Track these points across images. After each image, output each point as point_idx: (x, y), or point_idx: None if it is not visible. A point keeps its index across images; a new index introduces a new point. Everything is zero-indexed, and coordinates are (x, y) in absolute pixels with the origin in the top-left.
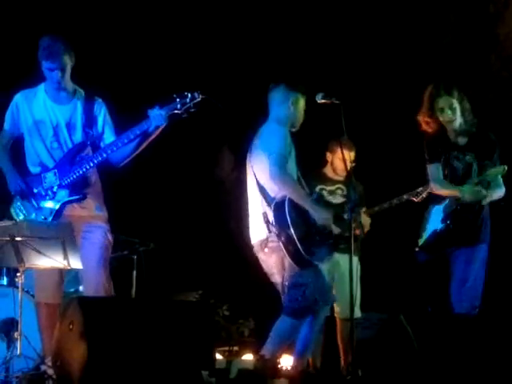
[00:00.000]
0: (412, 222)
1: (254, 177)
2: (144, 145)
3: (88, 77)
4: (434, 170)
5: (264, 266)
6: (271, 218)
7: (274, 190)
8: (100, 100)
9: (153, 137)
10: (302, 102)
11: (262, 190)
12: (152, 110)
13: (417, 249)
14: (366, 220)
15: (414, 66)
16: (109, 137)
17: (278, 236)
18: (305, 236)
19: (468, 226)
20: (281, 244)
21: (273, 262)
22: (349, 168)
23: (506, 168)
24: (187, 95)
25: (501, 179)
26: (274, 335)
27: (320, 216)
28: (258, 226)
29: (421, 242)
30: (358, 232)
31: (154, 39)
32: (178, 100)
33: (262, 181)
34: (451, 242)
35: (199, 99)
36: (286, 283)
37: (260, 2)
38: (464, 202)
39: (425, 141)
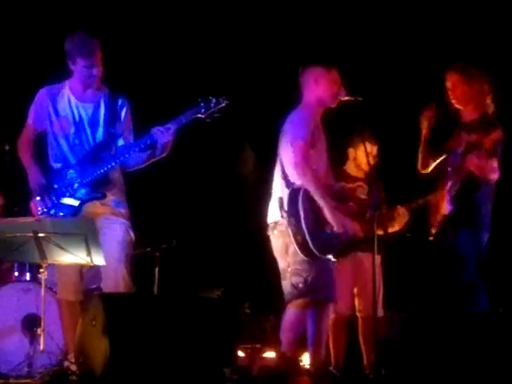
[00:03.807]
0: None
1: (280, 160)
2: (155, 158)
3: (112, 78)
4: None
5: (273, 248)
6: (285, 203)
7: (295, 176)
8: (124, 97)
9: (163, 154)
10: (331, 77)
11: (283, 173)
12: (155, 127)
13: (431, 238)
14: (404, 215)
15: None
16: (127, 136)
17: (288, 223)
18: (315, 228)
19: (473, 208)
20: (289, 231)
21: (279, 245)
22: (372, 163)
23: None
24: (212, 100)
25: None
26: (283, 330)
27: (335, 221)
28: (274, 208)
29: (434, 230)
30: (380, 231)
31: (174, 41)
32: (201, 104)
33: (284, 165)
34: (457, 222)
35: (224, 105)
36: (289, 269)
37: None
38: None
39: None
